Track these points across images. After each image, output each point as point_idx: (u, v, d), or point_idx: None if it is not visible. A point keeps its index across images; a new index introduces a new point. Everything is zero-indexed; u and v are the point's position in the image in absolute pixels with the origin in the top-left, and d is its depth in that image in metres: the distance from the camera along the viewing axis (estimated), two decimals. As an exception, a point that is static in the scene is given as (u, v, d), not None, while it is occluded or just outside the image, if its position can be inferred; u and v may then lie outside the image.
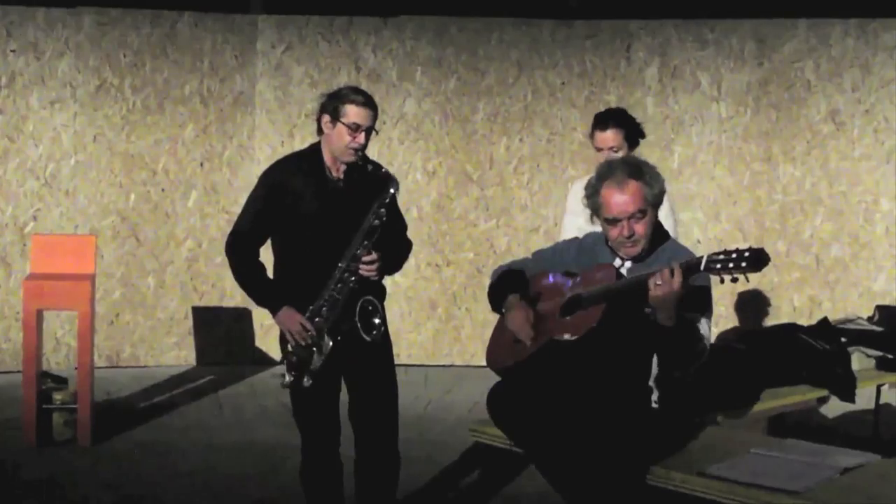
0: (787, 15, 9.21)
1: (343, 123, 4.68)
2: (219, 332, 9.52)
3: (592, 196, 4.19)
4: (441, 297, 9.57)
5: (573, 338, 3.98)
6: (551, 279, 4.30)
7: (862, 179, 9.08)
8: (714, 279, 3.80)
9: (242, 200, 9.27)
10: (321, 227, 4.71)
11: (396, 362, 8.96)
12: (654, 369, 4.05)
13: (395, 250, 4.89)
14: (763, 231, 9.21)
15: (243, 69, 9.46)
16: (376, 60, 9.51)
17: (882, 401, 6.23)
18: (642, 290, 3.85)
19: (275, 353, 9.44)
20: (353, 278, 4.66)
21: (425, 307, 9.56)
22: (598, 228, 5.58)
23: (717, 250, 3.75)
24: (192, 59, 9.33)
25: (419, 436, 7.16)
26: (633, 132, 5.62)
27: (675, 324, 3.82)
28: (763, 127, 9.27)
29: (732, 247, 3.72)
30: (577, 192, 5.82)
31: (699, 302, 3.93)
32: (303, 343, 4.70)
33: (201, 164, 9.40)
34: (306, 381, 4.73)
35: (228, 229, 9.18)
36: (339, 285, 4.66)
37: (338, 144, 4.71)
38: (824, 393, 5.03)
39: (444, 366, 9.49)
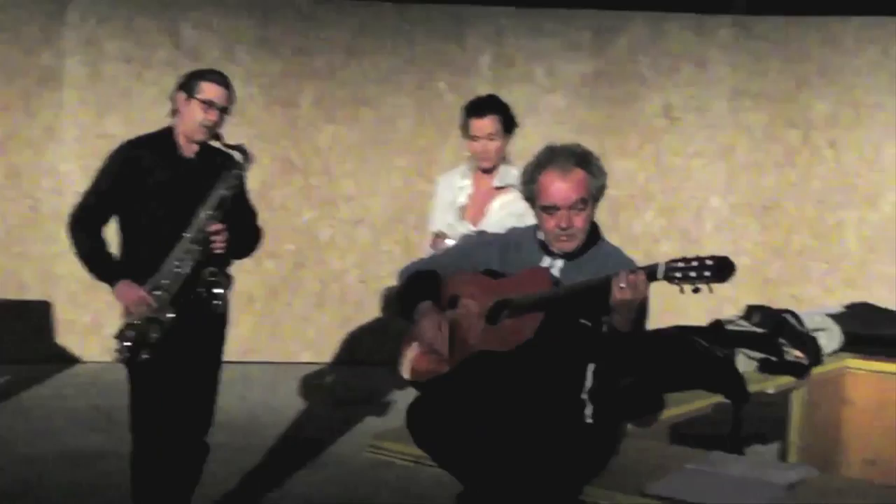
0: (624, 7, 9.09)
1: (198, 100, 4.66)
2: (15, 327, 8.80)
3: (529, 183, 3.81)
4: (259, 290, 9.07)
5: (503, 349, 3.61)
6: (472, 279, 3.90)
7: (694, 176, 9.04)
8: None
9: (47, 185, 8.81)
10: (171, 204, 4.67)
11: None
12: (588, 382, 3.72)
13: (240, 233, 4.82)
14: (595, 226, 9.06)
15: (50, 43, 8.76)
16: (197, 38, 8.96)
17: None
18: (593, 296, 3.52)
19: (76, 349, 8.83)
20: (199, 248, 4.60)
21: (242, 300, 8.99)
22: (466, 225, 5.29)
23: (674, 258, 3.46)
24: (-7, 30, 8.61)
25: (249, 443, 6.67)
26: (508, 118, 5.32)
27: (633, 330, 3.52)
28: (597, 120, 9.12)
29: (692, 255, 3.43)
30: (443, 186, 5.51)
31: (641, 307, 3.61)
32: (139, 317, 4.59)
33: (1, 145, 8.66)
34: (143, 356, 4.60)
35: (31, 217, 8.72)
36: (183, 256, 4.60)
37: (190, 122, 4.69)
38: (721, 398, 4.85)
39: (261, 363, 8.99)
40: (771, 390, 5.15)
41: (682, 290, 3.44)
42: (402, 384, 8.32)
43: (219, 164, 4.69)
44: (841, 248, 8.64)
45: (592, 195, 3.80)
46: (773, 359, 5.22)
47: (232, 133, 4.76)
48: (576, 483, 3.61)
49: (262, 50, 9.05)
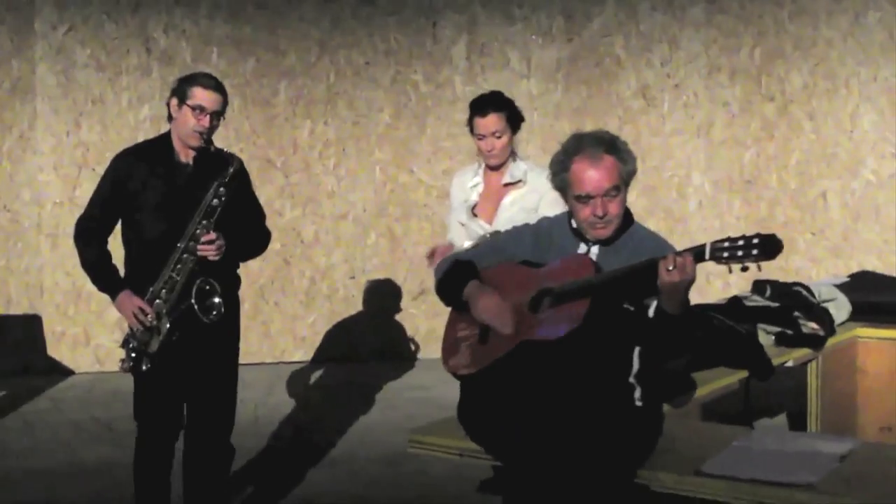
0: (595, -10, 9.11)
1: (189, 106, 4.65)
2: (6, 341, 8.68)
3: (560, 173, 3.80)
4: (247, 291, 8.91)
5: (554, 337, 3.60)
6: (511, 270, 3.89)
7: (673, 154, 9.07)
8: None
9: (25, 197, 8.70)
10: (168, 212, 4.66)
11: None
12: (636, 365, 3.73)
13: (245, 236, 4.84)
14: (579, 209, 9.07)
15: (21, 52, 8.64)
16: (168, 41, 8.87)
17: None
18: (639, 279, 3.53)
19: (69, 361, 8.74)
20: (192, 259, 4.59)
21: (230, 303, 8.98)
22: (479, 223, 5.27)
23: (719, 238, 3.48)
24: (-38, 41, 8.47)
25: (255, 445, 6.67)
26: (514, 114, 5.29)
27: (682, 312, 3.52)
28: (574, 104, 9.14)
29: (737, 234, 3.45)
30: (457, 186, 5.47)
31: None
32: (139, 326, 4.62)
33: (-23, 158, 8.58)
34: (144, 365, 4.64)
35: (13, 229, 8.60)
36: (178, 266, 4.61)
37: (184, 128, 4.67)
38: (745, 374, 4.88)
39: (253, 364, 8.92)
40: (790, 363, 5.20)
41: (730, 270, 3.46)
42: (397, 378, 8.43)
43: (216, 170, 4.66)
44: (825, 218, 8.71)
45: (624, 180, 3.81)
46: (789, 332, 5.26)
47: (209, 135, 4.72)
48: (631, 467, 3.61)
49: (234, 50, 8.98)
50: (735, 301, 5.26)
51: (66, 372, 8.74)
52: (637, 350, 3.73)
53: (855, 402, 5.71)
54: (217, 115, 4.68)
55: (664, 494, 3.57)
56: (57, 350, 8.79)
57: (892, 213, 8.55)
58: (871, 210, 8.60)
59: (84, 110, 8.75)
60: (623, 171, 3.78)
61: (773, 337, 5.27)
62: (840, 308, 5.64)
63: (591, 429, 3.57)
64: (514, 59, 9.18)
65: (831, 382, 5.46)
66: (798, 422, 6.38)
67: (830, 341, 5.44)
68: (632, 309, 3.66)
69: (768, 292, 5.41)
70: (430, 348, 9.21)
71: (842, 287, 5.85)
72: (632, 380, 3.73)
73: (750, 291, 5.59)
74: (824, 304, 5.56)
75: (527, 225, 4.13)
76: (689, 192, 9.05)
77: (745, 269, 3.41)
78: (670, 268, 3.45)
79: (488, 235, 5.06)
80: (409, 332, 9.27)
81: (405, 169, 9.28)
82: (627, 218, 3.87)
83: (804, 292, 5.43)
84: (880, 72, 8.57)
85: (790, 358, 5.19)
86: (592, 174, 3.73)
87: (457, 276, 3.95)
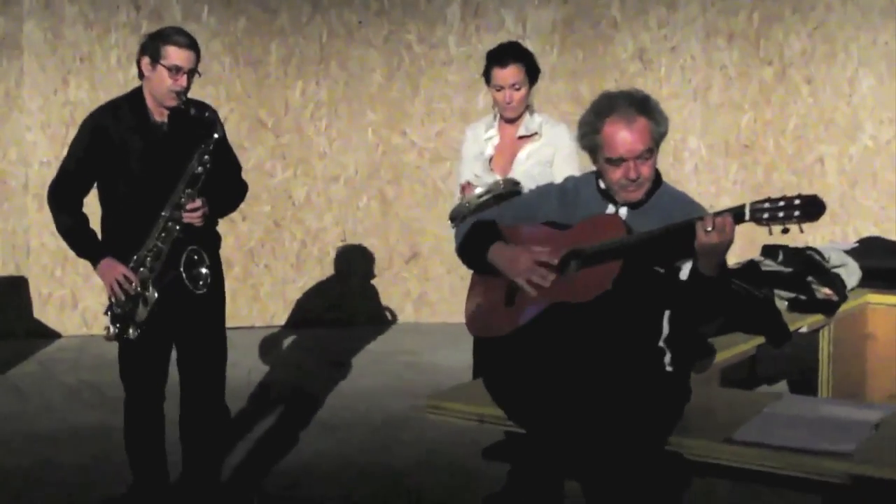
0: (591, -49, 8.99)
1: (163, 66, 4.51)
2: (-8, 303, 8.57)
3: (590, 134, 3.69)
4: (237, 253, 8.89)
5: (582, 300, 3.51)
6: (535, 231, 3.79)
7: (670, 117, 8.84)
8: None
9: (12, 156, 8.53)
10: (145, 173, 4.57)
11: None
12: (665, 329, 3.64)
13: (224, 193, 4.76)
14: (573, 173, 8.98)
15: (7, 8, 8.46)
16: (158, -2, 8.72)
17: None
18: (673, 241, 3.44)
19: (55, 324, 8.61)
20: (177, 227, 4.51)
21: (219, 266, 8.85)
22: (495, 177, 5.16)
23: (759, 198, 3.40)
24: (-54, -4, 8.29)
25: (251, 406, 6.62)
26: (532, 66, 5.19)
27: (718, 274, 3.45)
28: (570, 66, 9.03)
29: (777, 195, 3.37)
30: (470, 138, 5.36)
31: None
32: (123, 295, 4.53)
33: (-37, 116, 8.41)
34: (132, 333, 4.58)
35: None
36: (163, 234, 4.52)
37: (159, 88, 4.55)
38: (761, 340, 4.82)
39: (243, 328, 8.81)
40: (804, 329, 5.15)
41: (770, 232, 3.38)
42: (388, 342, 8.35)
43: (191, 129, 4.54)
44: (822, 184, 8.64)
45: (656, 141, 3.71)
46: (803, 297, 5.20)
47: (198, 94, 4.60)
48: (661, 433, 3.53)
49: (225, 8, 8.82)
50: (752, 265, 5.18)
51: (53, 335, 8.61)
52: (667, 314, 3.65)
53: (864, 368, 5.67)
54: (193, 73, 4.56)
55: (694, 462, 3.50)
56: (43, 313, 8.66)
57: (890, 179, 8.51)
58: (869, 176, 8.56)
59: (72, 68, 8.59)
60: (655, 132, 3.68)
61: (787, 302, 5.21)
62: (851, 274, 5.59)
63: (620, 394, 3.49)
64: (509, 20, 9.05)
65: (841, 349, 5.42)
66: (799, 389, 6.35)
67: (841, 308, 5.40)
68: (663, 272, 3.57)
69: (780, 257, 5.34)
70: (422, 312, 9.14)
71: (850, 253, 5.79)
72: (662, 344, 3.65)
73: (761, 255, 5.53)
74: (836, 270, 5.51)
75: (552, 184, 4.03)
76: (685, 156, 8.97)
77: (786, 230, 3.33)
78: (709, 229, 3.37)
79: (500, 182, 4.97)
80: (401, 296, 9.18)
81: (398, 131, 9.16)
82: (657, 179, 3.78)
83: (816, 256, 5.36)
84: (879, 36, 8.51)
85: (804, 324, 5.14)
86: (626, 136, 3.63)
87: (479, 239, 3.85)
